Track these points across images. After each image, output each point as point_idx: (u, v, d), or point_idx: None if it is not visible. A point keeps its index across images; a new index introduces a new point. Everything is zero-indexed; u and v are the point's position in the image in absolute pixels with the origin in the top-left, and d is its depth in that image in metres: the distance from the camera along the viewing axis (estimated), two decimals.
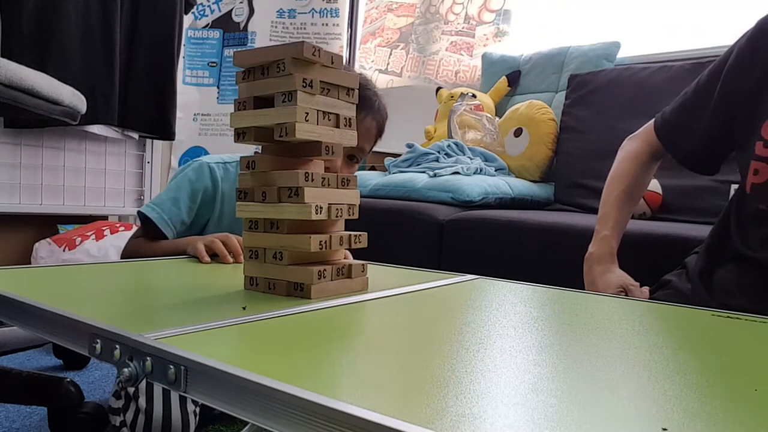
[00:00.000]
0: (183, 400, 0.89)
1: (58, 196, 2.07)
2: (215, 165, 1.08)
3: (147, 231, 1.03)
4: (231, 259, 0.87)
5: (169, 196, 1.04)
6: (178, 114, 2.26)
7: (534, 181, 1.92)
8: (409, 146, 1.96)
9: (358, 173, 1.31)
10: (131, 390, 0.88)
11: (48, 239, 2.00)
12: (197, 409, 0.91)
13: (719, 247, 0.87)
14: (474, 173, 1.75)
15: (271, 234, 0.58)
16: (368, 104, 0.99)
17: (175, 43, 2.19)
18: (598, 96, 1.85)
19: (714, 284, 0.83)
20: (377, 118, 1.02)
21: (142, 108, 2.12)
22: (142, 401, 0.86)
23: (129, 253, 1.04)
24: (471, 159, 1.85)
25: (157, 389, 0.88)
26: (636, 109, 1.70)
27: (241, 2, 2.73)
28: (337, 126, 0.59)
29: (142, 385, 0.88)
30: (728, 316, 0.58)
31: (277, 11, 2.75)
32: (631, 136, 1.06)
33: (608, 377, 0.35)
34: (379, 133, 1.06)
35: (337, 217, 0.58)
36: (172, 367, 0.34)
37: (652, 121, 1.02)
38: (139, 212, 1.05)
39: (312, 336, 0.43)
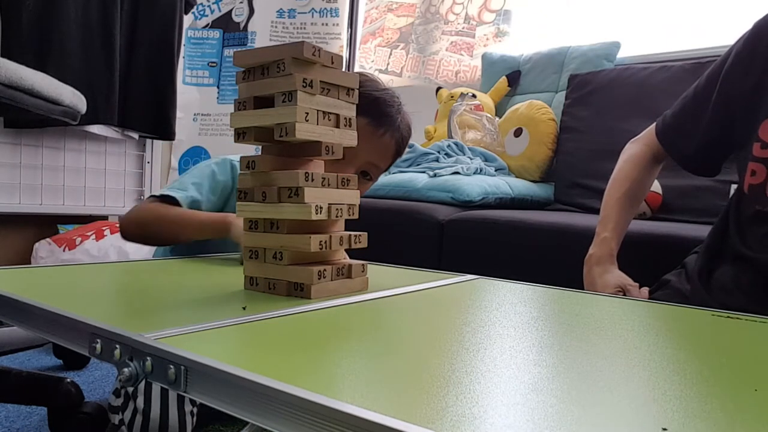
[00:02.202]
0: (181, 401, 0.88)
1: (58, 196, 2.07)
2: (237, 163, 1.03)
3: (164, 201, 0.96)
4: None
5: (193, 181, 1.00)
6: (178, 114, 2.26)
7: (534, 181, 1.92)
8: (409, 146, 1.96)
9: None
10: (130, 389, 0.88)
11: (48, 239, 2.00)
12: (195, 410, 0.91)
13: (718, 247, 0.87)
14: (474, 173, 1.75)
15: (271, 234, 0.58)
16: (389, 121, 0.95)
17: (175, 43, 2.19)
18: (598, 96, 1.85)
19: (712, 284, 0.83)
20: (396, 136, 0.97)
21: (142, 108, 2.12)
22: (140, 401, 0.86)
23: (145, 213, 0.94)
24: (471, 159, 1.85)
25: (155, 389, 0.87)
26: (636, 109, 1.70)
27: (241, 2, 2.73)
28: (337, 126, 0.59)
29: (141, 384, 0.88)
30: (728, 316, 0.58)
31: (277, 11, 2.75)
32: (633, 139, 1.06)
33: (608, 377, 0.35)
34: (398, 152, 1.01)
35: (337, 217, 0.58)
36: (172, 367, 0.34)
37: (653, 125, 1.02)
38: (163, 195, 0.94)
39: (312, 336, 0.43)
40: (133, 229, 0.95)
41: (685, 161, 0.98)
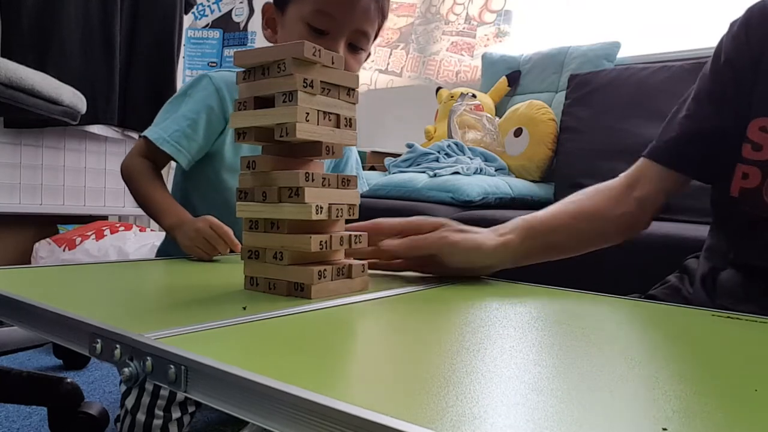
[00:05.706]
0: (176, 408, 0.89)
1: (58, 196, 2.07)
2: (217, 74, 0.99)
3: (152, 153, 0.96)
4: (224, 249, 0.82)
5: (188, 123, 0.95)
6: None
7: (534, 181, 1.92)
8: (409, 146, 1.96)
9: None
10: (130, 404, 0.89)
11: (48, 239, 2.00)
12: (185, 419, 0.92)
13: (717, 252, 0.86)
14: (474, 173, 1.75)
15: (271, 234, 0.58)
16: None
17: (175, 43, 2.19)
18: (598, 96, 1.85)
19: (718, 291, 0.82)
20: None
21: (142, 108, 2.12)
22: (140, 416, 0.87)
23: (131, 174, 0.97)
24: (471, 159, 1.85)
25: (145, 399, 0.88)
26: (636, 109, 1.70)
27: (241, 2, 2.73)
28: (338, 126, 0.59)
29: (146, 400, 0.89)
30: (728, 316, 0.58)
31: None
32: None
33: (608, 377, 0.35)
34: (381, 14, 0.90)
35: (337, 217, 0.58)
36: (172, 366, 0.34)
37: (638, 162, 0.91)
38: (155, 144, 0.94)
39: (312, 336, 0.43)
40: (124, 179, 0.99)
41: (695, 168, 0.86)
